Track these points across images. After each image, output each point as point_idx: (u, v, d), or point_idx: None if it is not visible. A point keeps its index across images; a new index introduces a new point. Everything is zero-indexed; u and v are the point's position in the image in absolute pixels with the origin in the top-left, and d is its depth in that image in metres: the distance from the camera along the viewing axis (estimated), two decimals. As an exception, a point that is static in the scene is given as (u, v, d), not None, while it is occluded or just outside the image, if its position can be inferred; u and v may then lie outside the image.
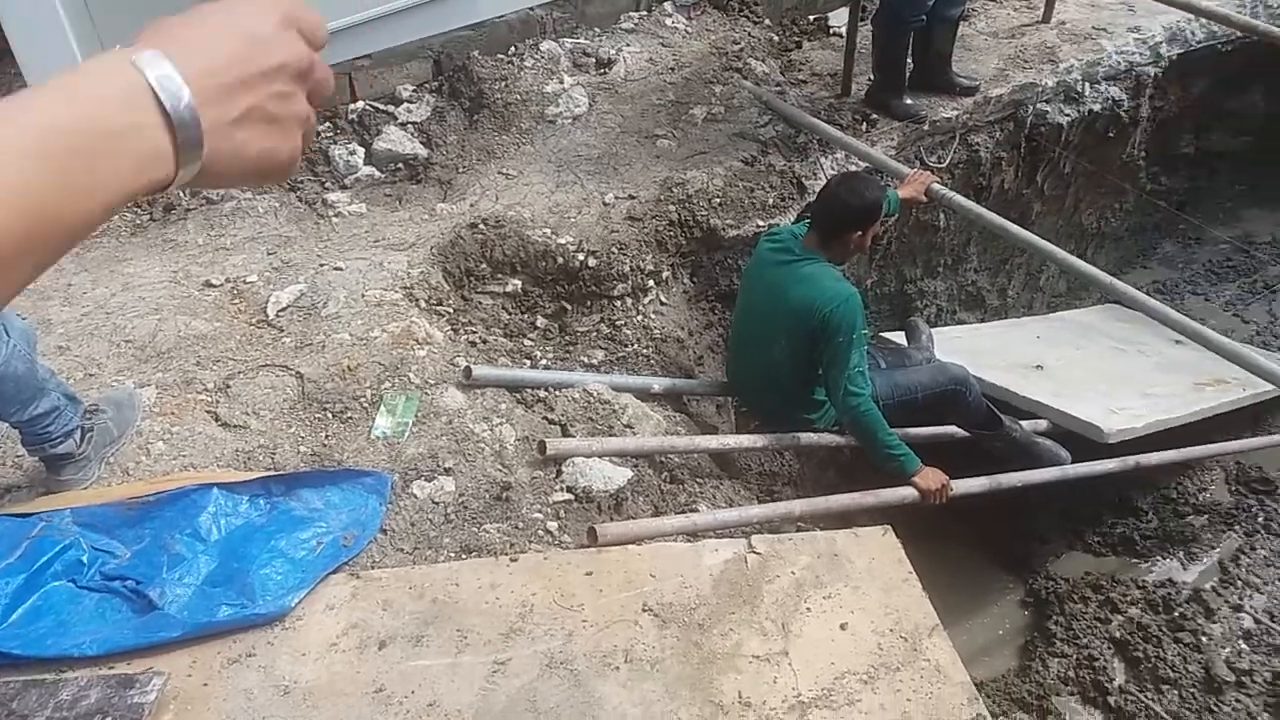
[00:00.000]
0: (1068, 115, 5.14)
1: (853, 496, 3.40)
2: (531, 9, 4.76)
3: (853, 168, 4.52)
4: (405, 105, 4.45)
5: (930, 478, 3.46)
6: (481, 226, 3.84)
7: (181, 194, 4.00)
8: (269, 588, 2.54)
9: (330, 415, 3.15)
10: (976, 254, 5.43)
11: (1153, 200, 6.18)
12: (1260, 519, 4.67)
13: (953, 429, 4.07)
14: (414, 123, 4.43)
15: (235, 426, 3.07)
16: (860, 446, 3.72)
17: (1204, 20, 5.30)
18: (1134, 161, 5.80)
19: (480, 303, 3.75)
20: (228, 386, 3.20)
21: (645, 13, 5.09)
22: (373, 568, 2.73)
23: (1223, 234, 6.38)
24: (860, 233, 3.43)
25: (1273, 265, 6.20)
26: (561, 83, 4.59)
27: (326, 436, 3.08)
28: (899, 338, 4.65)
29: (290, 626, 2.52)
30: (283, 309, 3.50)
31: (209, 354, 3.31)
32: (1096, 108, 5.23)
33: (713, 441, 3.53)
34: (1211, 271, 6.22)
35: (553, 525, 2.92)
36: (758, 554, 2.83)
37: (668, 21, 5.04)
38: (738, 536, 2.96)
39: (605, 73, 4.73)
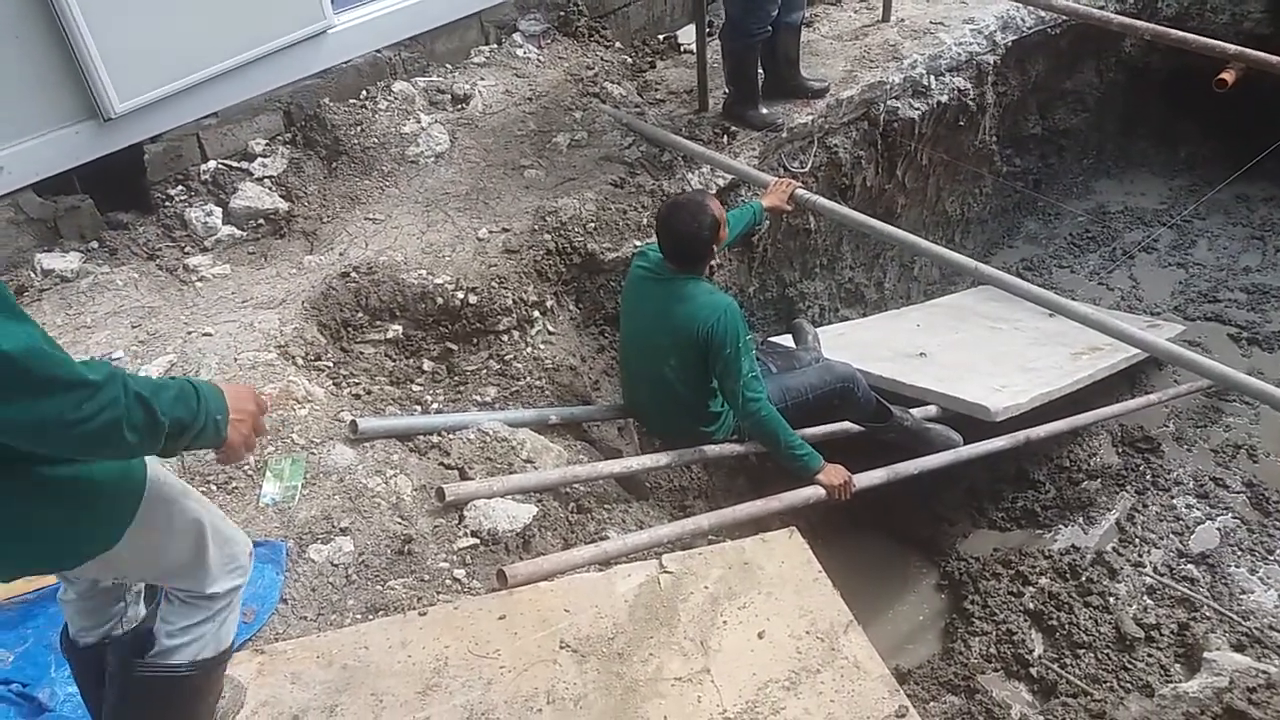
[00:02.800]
0: (918, 109, 5.30)
1: (760, 503, 3.39)
2: (379, 51, 4.68)
3: (719, 181, 4.57)
4: (259, 160, 4.30)
5: (833, 474, 3.50)
6: (353, 275, 3.73)
7: (32, 273, 3.80)
8: (167, 675, 2.39)
9: (214, 487, 3.00)
10: (850, 252, 5.55)
11: (1009, 182, 6.44)
12: (1148, 477, 4.86)
13: (847, 425, 4.13)
14: (270, 177, 4.29)
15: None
16: (764, 451, 3.74)
17: (1031, 7, 5.55)
18: (987, 147, 6.03)
19: (361, 353, 3.63)
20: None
21: (495, 45, 5.05)
22: (277, 640, 2.60)
23: (1078, 208, 6.69)
24: (709, 250, 3.45)
25: (1128, 232, 6.51)
26: (419, 122, 4.51)
27: (210, 510, 2.92)
28: (786, 341, 4.70)
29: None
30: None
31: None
32: (944, 99, 5.41)
33: (616, 466, 3.49)
34: (1074, 244, 6.50)
35: (460, 573, 2.83)
36: (670, 573, 2.80)
37: (519, 52, 5.02)
38: (650, 558, 2.92)
39: (463, 108, 4.67)
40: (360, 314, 3.67)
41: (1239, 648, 3.93)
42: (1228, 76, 6.02)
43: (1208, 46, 4.17)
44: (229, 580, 1.93)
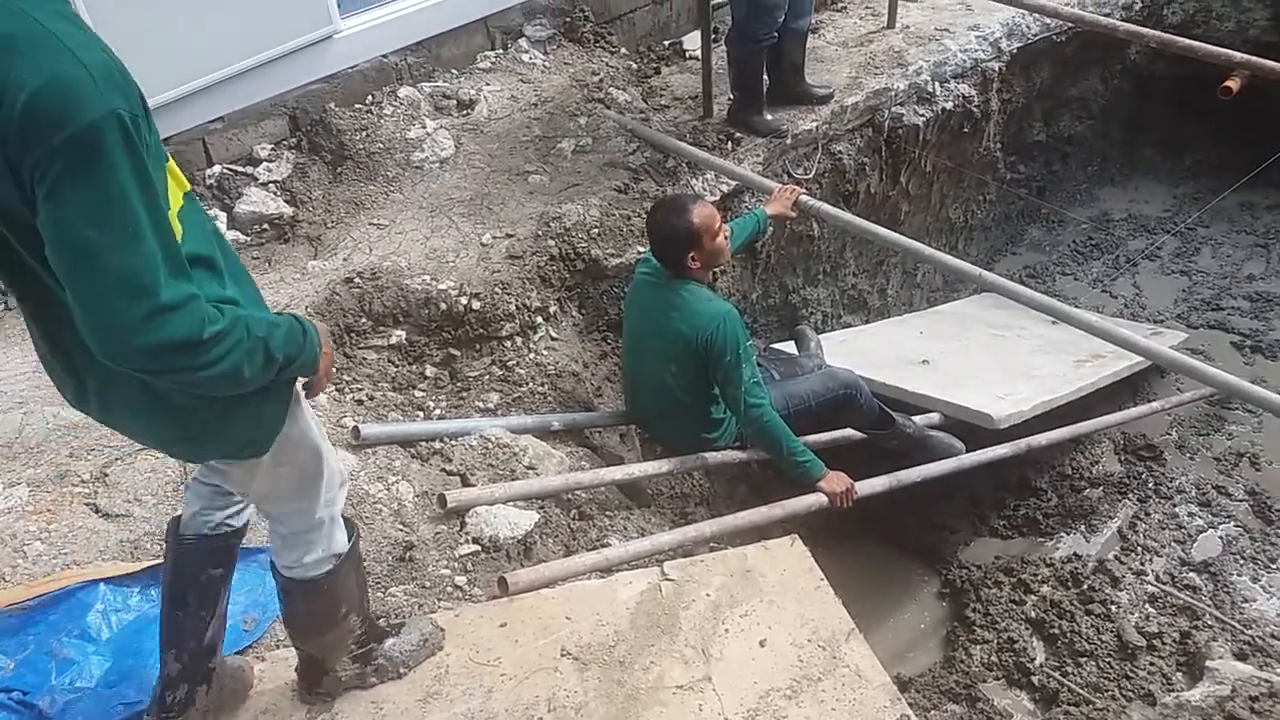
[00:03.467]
0: (922, 115, 5.31)
1: (762, 510, 3.40)
2: (384, 56, 4.69)
3: (723, 188, 4.57)
4: (264, 165, 4.32)
5: (835, 481, 3.50)
6: (357, 280, 3.74)
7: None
8: (168, 683, 2.40)
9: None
10: (853, 258, 5.55)
11: (1013, 189, 6.44)
12: (1150, 485, 4.85)
13: (850, 432, 4.13)
14: (275, 181, 4.30)
15: (117, 516, 2.90)
16: (766, 458, 3.75)
17: (1037, 14, 5.55)
18: (991, 154, 6.03)
19: (364, 359, 3.64)
20: (105, 475, 3.02)
21: (501, 50, 5.07)
22: (278, 647, 2.60)
23: (1081, 215, 6.69)
24: (693, 253, 3.37)
25: (1132, 239, 6.51)
26: (424, 127, 4.52)
27: (214, 518, 2.93)
28: (789, 347, 4.70)
29: (193, 723, 2.37)
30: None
31: (82, 443, 3.13)
32: (949, 105, 5.42)
33: (618, 473, 3.49)
34: (1077, 251, 6.50)
35: (461, 580, 2.84)
36: (672, 580, 2.80)
37: (524, 58, 5.03)
38: (652, 565, 2.92)
39: (468, 114, 4.69)
40: (364, 319, 3.68)
41: (1241, 656, 3.92)
42: (1233, 84, 6.01)
43: (1213, 54, 4.17)
44: (326, 510, 2.06)
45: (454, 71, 4.93)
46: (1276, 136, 5.46)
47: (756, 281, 5.11)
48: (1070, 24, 5.66)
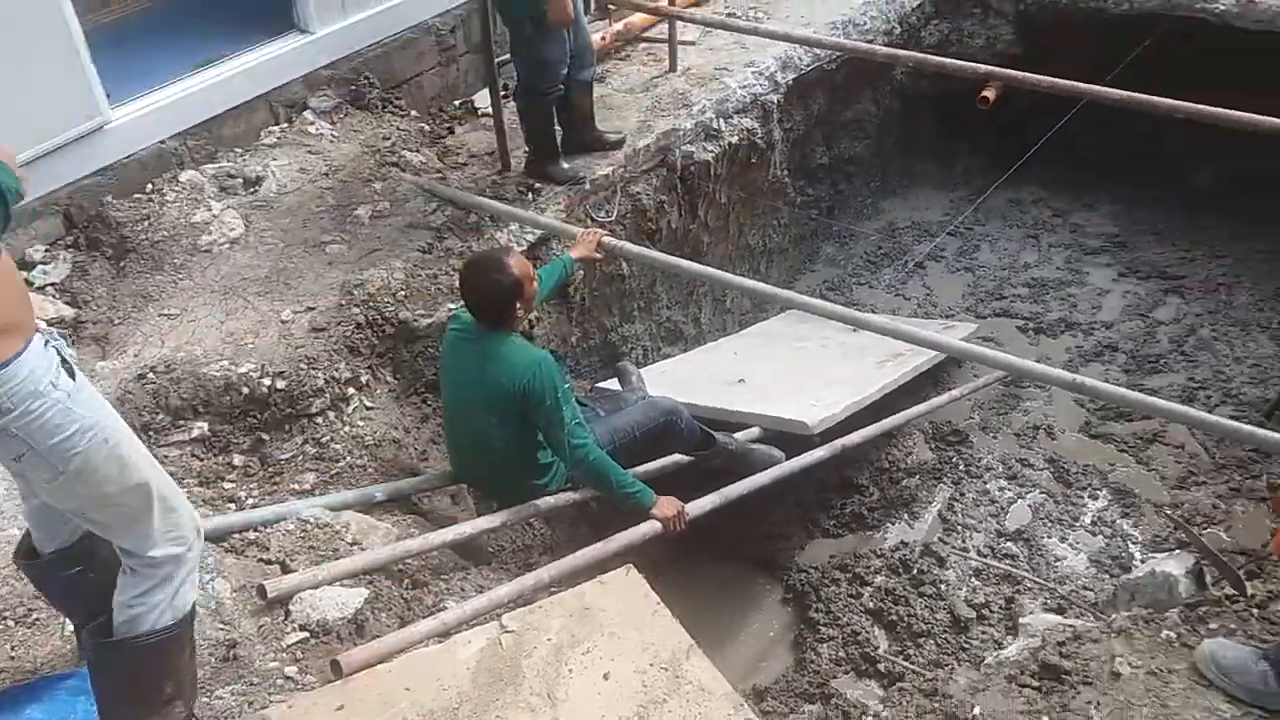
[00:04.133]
0: (711, 151, 5.55)
1: (598, 546, 3.43)
2: (162, 142, 4.55)
3: (528, 238, 4.65)
4: (40, 268, 4.10)
5: (666, 506, 3.58)
6: (150, 376, 3.59)
7: None
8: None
9: (12, 622, 2.81)
10: (665, 292, 5.72)
11: (804, 211, 6.79)
12: (961, 467, 5.19)
13: (677, 457, 4.24)
14: (53, 284, 4.10)
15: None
16: (600, 495, 3.80)
17: (806, 46, 5.92)
18: (780, 180, 6.35)
19: (165, 456, 3.47)
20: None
21: (286, 125, 5.00)
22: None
23: (869, 228, 7.12)
24: (518, 305, 3.45)
25: (917, 245, 6.97)
26: (210, 210, 4.40)
27: (13, 647, 2.74)
28: (613, 384, 4.80)
29: None
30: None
31: None
32: (735, 139, 5.69)
33: (449, 534, 3.45)
34: (870, 262, 6.90)
35: (292, 670, 2.75)
36: (511, 632, 2.79)
37: (311, 129, 4.98)
38: (491, 621, 2.90)
39: (256, 190, 4.59)
40: (161, 415, 3.53)
41: (1059, 612, 4.23)
42: (989, 94, 6.58)
43: (962, 68, 4.55)
44: (170, 547, 2.09)
45: (238, 150, 4.83)
46: (1032, 137, 5.99)
47: (574, 325, 5.19)
48: (836, 52, 6.06)
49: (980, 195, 6.85)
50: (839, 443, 4.32)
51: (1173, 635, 2.78)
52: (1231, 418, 5.01)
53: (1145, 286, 6.40)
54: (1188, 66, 5.72)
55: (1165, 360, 5.79)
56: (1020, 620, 3.57)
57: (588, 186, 4.98)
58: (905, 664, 4.13)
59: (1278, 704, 2.48)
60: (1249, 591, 2.99)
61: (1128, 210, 7.09)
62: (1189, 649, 2.71)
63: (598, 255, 4.24)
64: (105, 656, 2.20)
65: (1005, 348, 5.75)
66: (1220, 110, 3.86)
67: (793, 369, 5.21)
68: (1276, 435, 3.34)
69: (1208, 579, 3.64)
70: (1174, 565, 3.72)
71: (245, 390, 3.57)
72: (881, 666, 4.18)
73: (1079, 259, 6.71)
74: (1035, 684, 2.72)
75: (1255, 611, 2.87)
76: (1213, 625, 2.84)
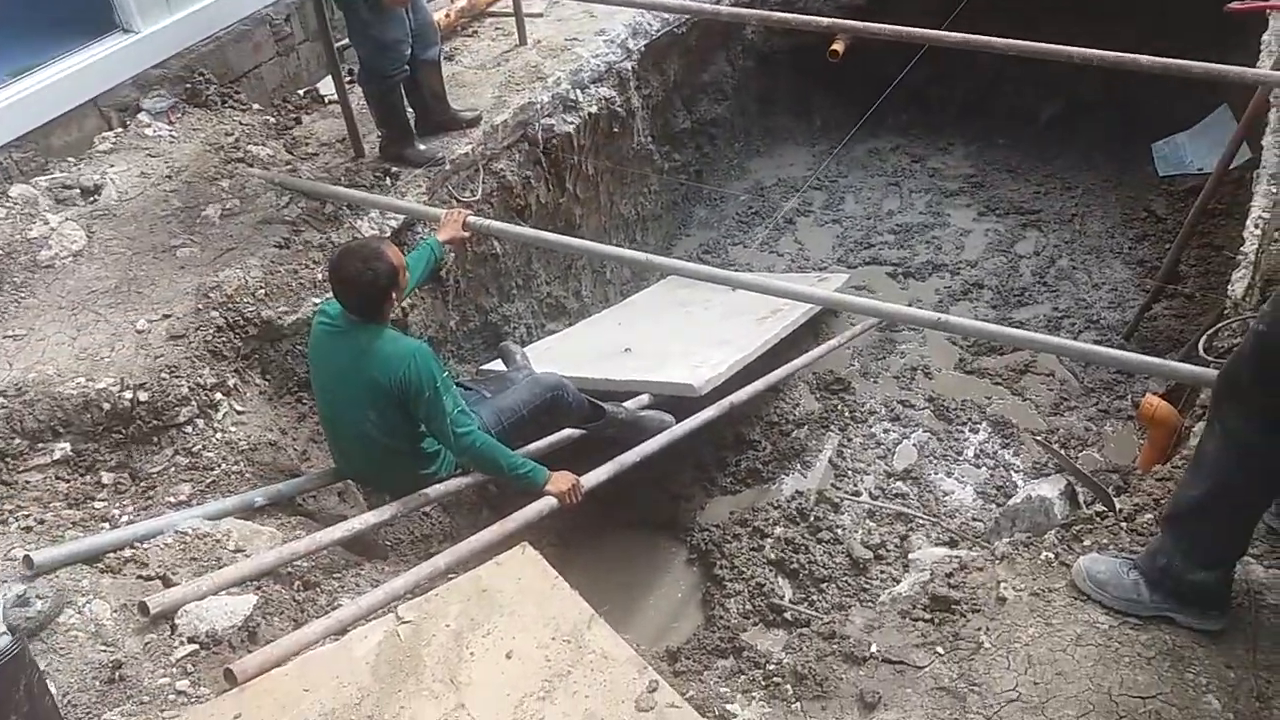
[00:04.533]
0: (571, 123, 5.50)
1: (495, 528, 3.38)
2: (-14, 157, 4.27)
3: (391, 224, 4.53)
4: None
5: (560, 481, 3.55)
6: (0, 400, 3.36)
7: None
8: None
9: None
10: (542, 268, 5.67)
11: (673, 177, 6.83)
12: (847, 414, 5.31)
13: (569, 432, 4.21)
14: (-121, 315, 3.80)
15: None
16: (491, 478, 3.74)
17: (653, 11, 5.91)
18: (645, 148, 6.36)
19: (26, 482, 3.28)
20: None
21: (121, 129, 4.74)
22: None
23: (738, 189, 7.20)
24: (393, 295, 3.36)
25: (785, 201, 7.08)
26: (47, 223, 4.14)
27: None
28: (498, 365, 4.74)
29: None
30: None
31: None
32: (594, 109, 5.65)
33: (337, 531, 3.34)
34: (742, 221, 6.98)
35: (184, 684, 2.63)
36: (409, 622, 2.72)
37: (148, 132, 4.73)
38: (388, 614, 2.83)
39: (95, 199, 4.34)
40: (17, 440, 3.32)
41: (952, 544, 4.38)
42: (839, 47, 6.70)
43: (806, 23, 4.60)
44: None
45: (71, 159, 4.55)
46: (883, 87, 6.13)
47: (451, 309, 5.09)
48: (684, 14, 6.08)
49: (840, 147, 7.00)
50: (727, 401, 4.36)
51: (1051, 556, 2.89)
52: (1095, 343, 5.28)
53: (1004, 223, 6.65)
54: (1025, 3, 5.97)
55: (1029, 293, 6.03)
56: (909, 556, 3.67)
57: (448, 167, 4.88)
58: (810, 611, 4.21)
59: (1149, 610, 2.60)
60: (1118, 507, 3.13)
61: (981, 151, 7.35)
62: (1067, 567, 2.82)
63: (465, 234, 4.14)
64: None
65: (877, 294, 5.91)
66: (1051, 46, 3.99)
67: (677, 333, 5.23)
68: (1137, 356, 3.51)
69: (1081, 499, 3.83)
70: (1048, 489, 3.90)
71: (106, 406, 3.38)
72: (788, 615, 4.25)
73: (940, 202, 6.92)
74: (927, 616, 2.79)
75: (1125, 525, 3.01)
76: (1086, 542, 2.96)
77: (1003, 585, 2.82)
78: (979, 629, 2.70)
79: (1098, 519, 3.11)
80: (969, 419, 5.21)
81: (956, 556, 3.08)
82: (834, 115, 7.63)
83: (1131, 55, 3.93)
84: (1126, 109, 6.87)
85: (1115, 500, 3.23)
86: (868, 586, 4.33)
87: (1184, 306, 5.46)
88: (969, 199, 6.93)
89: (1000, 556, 2.95)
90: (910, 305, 5.48)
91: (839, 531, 4.59)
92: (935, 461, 5.00)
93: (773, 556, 4.51)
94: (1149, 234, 6.34)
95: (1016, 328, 5.24)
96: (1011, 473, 4.88)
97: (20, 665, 2.04)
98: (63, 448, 3.37)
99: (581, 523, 4.45)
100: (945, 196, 6.97)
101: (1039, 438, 4.94)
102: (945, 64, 6.51)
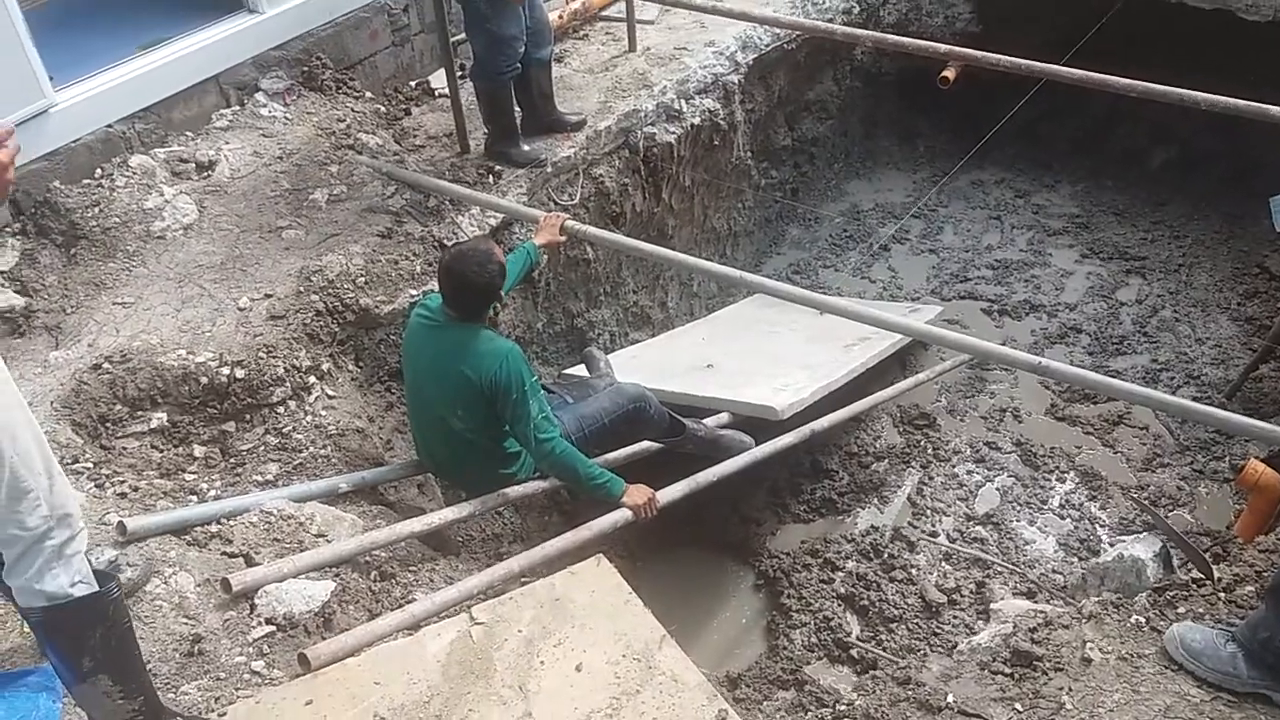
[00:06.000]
0: (673, 133, 5.48)
1: (569, 535, 3.38)
2: (110, 126, 4.39)
3: (490, 222, 4.56)
4: (-16, 256, 3.95)
5: (636, 494, 3.54)
6: (106, 366, 3.47)
7: None
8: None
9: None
10: (631, 276, 5.66)
11: (769, 194, 6.76)
12: (930, 450, 5.19)
13: (647, 444, 4.19)
14: (2, 273, 3.94)
15: None
16: (567, 486, 3.75)
17: (766, 26, 5.87)
18: (743, 162, 6.31)
19: (124, 448, 3.38)
20: None
21: (238, 107, 4.85)
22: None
23: (833, 210, 7.10)
24: (496, 298, 3.46)
25: (881, 227, 6.97)
26: (163, 195, 4.26)
27: (-31, 644, 2.65)
28: (581, 370, 4.74)
29: None
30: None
31: None
32: (697, 120, 5.63)
33: (416, 524, 3.38)
34: (834, 244, 6.88)
35: (259, 664, 2.68)
36: (481, 624, 2.74)
37: (263, 112, 4.84)
38: (461, 613, 2.85)
39: (209, 175, 4.46)
40: (118, 406, 3.42)
41: (1029, 595, 4.25)
42: (949, 74, 6.58)
43: (922, 48, 4.51)
44: (37, 532, 2.03)
45: (189, 134, 4.68)
46: (992, 117, 5.99)
47: (540, 311, 5.12)
48: (795, 31, 6.02)
49: (943, 176, 6.85)
50: (808, 428, 4.30)
51: (1141, 620, 2.79)
52: (1194, 399, 5.08)
53: (1108, 268, 6.45)
54: (1145, 44, 5.77)
55: (1128, 341, 5.83)
56: (991, 606, 3.57)
57: (549, 169, 4.90)
58: (877, 650, 4.12)
59: (1246, 686, 2.49)
60: (1215, 575, 3.00)
61: (1089, 191, 7.14)
62: (1158, 633, 2.71)
63: (561, 239, 4.17)
64: (33, 626, 2.23)
65: (970, 330, 5.77)
66: (1172, 89, 3.87)
67: (761, 353, 5.18)
68: (1238, 417, 3.36)
69: (1174, 562, 3.68)
70: (1141, 549, 3.75)
71: (204, 380, 3.47)
72: (854, 652, 4.17)
73: (1042, 240, 6.74)
74: (1007, 670, 2.72)
75: (1222, 595, 2.88)
76: (1180, 609, 2.85)
77: (1089, 646, 2.72)
78: (1061, 689, 2.61)
79: (1194, 586, 2.98)
80: (1056, 467, 5.05)
81: (1041, 611, 2.99)
82: (939, 143, 7.49)
83: (1260, 105, 3.79)
84: (1245, 159, 6.59)
85: (1214, 568, 3.09)
86: (939, 631, 4.22)
87: (1293, 370, 5.23)
88: (1072, 239, 6.73)
89: (1088, 616, 2.85)
90: (1004, 344, 5.33)
91: (913, 571, 4.49)
92: (1018, 508, 4.86)
93: (842, 590, 4.43)
94: (1260, 291, 6.08)
95: (1113, 377, 5.07)
96: (1097, 527, 4.72)
97: (97, 613, 2.16)
98: (159, 418, 3.46)
99: (650, 536, 4.43)
100: (1048, 235, 6.78)
101: (1136, 495, 4.76)
102: (1058, 98, 6.34)
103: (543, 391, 3.71)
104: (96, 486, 3.18)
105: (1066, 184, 7.22)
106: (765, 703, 3.96)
